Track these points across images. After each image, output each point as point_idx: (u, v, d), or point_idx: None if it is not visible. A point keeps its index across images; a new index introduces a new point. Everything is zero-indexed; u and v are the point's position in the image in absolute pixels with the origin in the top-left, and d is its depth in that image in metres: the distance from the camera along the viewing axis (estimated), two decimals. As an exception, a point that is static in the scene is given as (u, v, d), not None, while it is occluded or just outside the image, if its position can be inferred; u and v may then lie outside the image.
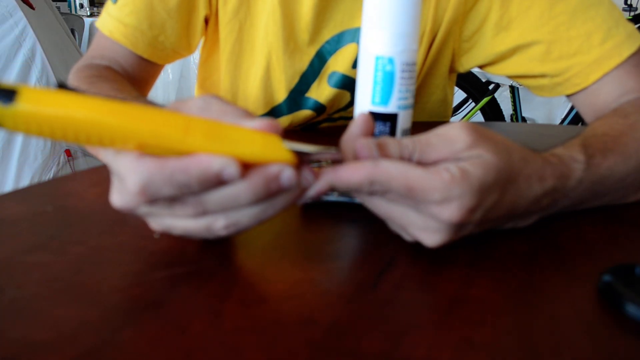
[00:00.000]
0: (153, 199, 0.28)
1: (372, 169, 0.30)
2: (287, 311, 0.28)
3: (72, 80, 0.59)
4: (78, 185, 0.44)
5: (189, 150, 0.27)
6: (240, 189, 0.28)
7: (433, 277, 0.32)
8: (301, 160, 0.30)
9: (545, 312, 0.29)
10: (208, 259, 0.33)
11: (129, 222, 0.37)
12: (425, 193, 0.30)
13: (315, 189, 0.31)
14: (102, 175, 0.46)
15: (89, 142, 0.26)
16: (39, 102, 0.24)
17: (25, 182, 1.62)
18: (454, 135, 0.32)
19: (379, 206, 0.33)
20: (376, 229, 0.37)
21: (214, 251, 0.34)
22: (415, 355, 0.25)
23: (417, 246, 0.34)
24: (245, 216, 0.30)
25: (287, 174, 0.29)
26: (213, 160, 0.27)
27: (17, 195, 0.42)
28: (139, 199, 0.28)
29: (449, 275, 0.32)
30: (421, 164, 0.31)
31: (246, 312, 0.27)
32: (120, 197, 0.29)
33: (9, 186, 1.61)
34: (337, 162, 0.32)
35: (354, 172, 0.30)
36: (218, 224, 0.30)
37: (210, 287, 0.30)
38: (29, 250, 0.33)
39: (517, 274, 0.33)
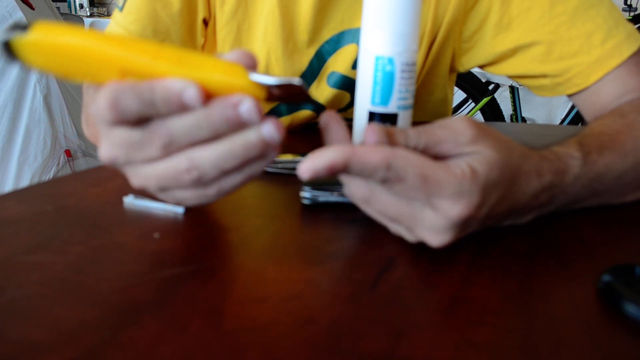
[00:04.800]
0: (123, 114, 0.29)
1: (391, 153, 0.30)
2: (287, 311, 0.28)
3: (87, 86, 0.59)
4: (78, 185, 0.44)
5: (158, 74, 0.29)
6: (201, 117, 0.29)
7: (433, 277, 0.32)
8: (268, 97, 0.30)
9: (545, 312, 0.29)
10: (208, 259, 0.33)
11: (129, 222, 0.38)
12: (439, 185, 0.30)
13: (328, 159, 0.29)
14: (102, 175, 0.46)
15: (81, 71, 0.30)
16: (45, 32, 0.29)
17: (25, 182, 1.62)
18: (458, 128, 0.32)
19: (385, 203, 0.32)
20: (376, 229, 0.37)
21: (214, 251, 0.34)
22: (415, 355, 0.25)
23: (417, 246, 0.34)
24: (207, 158, 0.30)
25: (247, 105, 0.28)
26: (176, 81, 0.28)
27: (17, 195, 0.42)
28: (109, 114, 0.29)
29: (449, 275, 0.32)
30: (425, 154, 0.32)
31: (246, 312, 0.27)
32: (102, 142, 0.31)
33: (9, 186, 1.61)
34: (294, 95, 0.31)
35: (373, 153, 0.29)
36: (182, 166, 0.30)
37: (210, 287, 0.30)
38: (29, 250, 0.33)
39: (517, 274, 0.33)
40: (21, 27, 0.29)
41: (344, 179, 0.33)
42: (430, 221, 0.32)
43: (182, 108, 0.29)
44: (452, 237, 0.32)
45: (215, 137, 0.29)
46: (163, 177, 0.31)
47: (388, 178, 0.30)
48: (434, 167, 0.30)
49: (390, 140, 0.31)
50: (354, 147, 0.30)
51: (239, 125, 0.29)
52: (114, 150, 0.31)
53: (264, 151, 0.30)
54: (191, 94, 0.28)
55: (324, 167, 0.29)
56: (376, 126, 0.31)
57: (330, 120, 0.33)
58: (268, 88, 0.30)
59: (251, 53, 0.31)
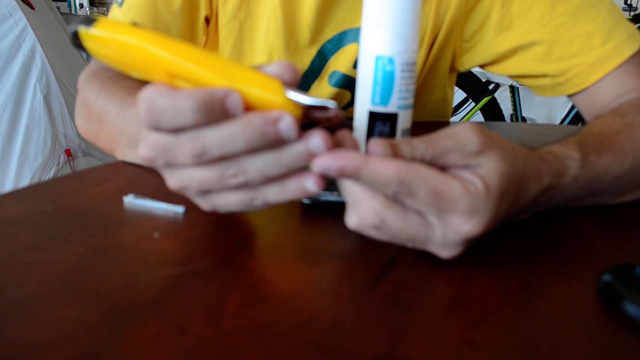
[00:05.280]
0: (157, 122, 0.29)
1: (404, 168, 0.29)
2: (287, 311, 0.28)
3: (89, 84, 0.59)
4: (78, 185, 0.44)
5: (201, 81, 0.30)
6: (237, 129, 0.29)
7: (433, 277, 0.32)
8: (307, 116, 0.31)
9: (545, 312, 0.29)
10: (208, 259, 0.33)
11: (129, 222, 0.38)
12: (452, 202, 0.29)
13: (341, 162, 0.29)
14: (102, 175, 0.46)
15: (134, 67, 0.32)
16: (107, 28, 0.32)
17: (25, 182, 1.62)
18: (465, 137, 0.31)
19: (396, 229, 0.31)
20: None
21: (214, 251, 0.34)
22: (415, 355, 0.25)
23: (417, 246, 0.34)
24: (250, 169, 0.30)
25: (287, 122, 0.28)
26: (219, 88, 0.29)
27: (17, 195, 0.42)
28: (145, 119, 0.29)
29: (449, 275, 0.32)
30: (432, 165, 0.31)
31: (246, 312, 0.27)
32: (141, 142, 0.31)
33: (9, 186, 1.61)
34: (328, 119, 0.31)
35: (386, 166, 0.29)
36: (229, 172, 0.30)
37: (210, 287, 0.30)
38: (29, 250, 0.33)
39: (517, 274, 0.33)
40: (88, 21, 0.32)
41: (349, 200, 0.31)
42: (441, 238, 0.31)
43: (223, 115, 0.29)
44: (462, 250, 0.32)
45: (249, 150, 0.29)
46: (207, 180, 0.31)
47: (400, 192, 0.29)
48: (448, 183, 0.29)
49: (395, 153, 0.30)
50: (368, 157, 0.29)
51: (275, 142, 0.29)
52: (151, 152, 0.31)
53: (307, 161, 0.30)
54: (234, 100, 0.28)
55: (335, 167, 0.29)
56: (379, 141, 0.30)
57: (344, 140, 0.32)
58: (304, 108, 0.30)
59: (294, 66, 0.31)
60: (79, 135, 1.73)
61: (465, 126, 0.32)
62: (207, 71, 0.30)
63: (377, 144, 0.30)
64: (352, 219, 0.31)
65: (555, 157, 0.38)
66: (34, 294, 0.28)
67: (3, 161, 1.61)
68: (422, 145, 0.31)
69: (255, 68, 0.31)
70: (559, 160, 0.38)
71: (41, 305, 0.27)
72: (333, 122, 0.31)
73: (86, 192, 0.43)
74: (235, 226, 0.38)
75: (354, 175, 0.29)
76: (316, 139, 0.29)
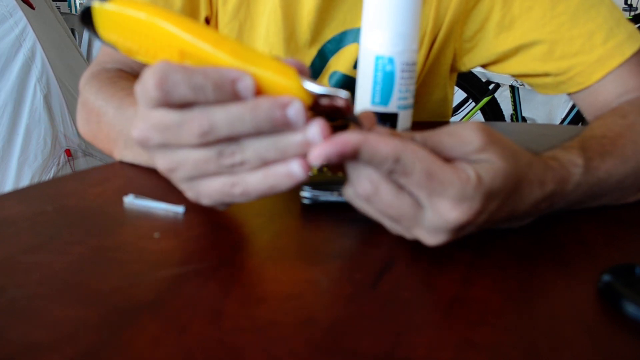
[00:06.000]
0: (168, 95, 0.29)
1: (402, 146, 0.29)
2: (287, 311, 0.28)
3: (90, 85, 0.59)
4: (78, 185, 0.44)
5: (215, 62, 0.30)
6: (246, 110, 0.28)
7: (433, 277, 0.32)
8: (317, 107, 0.30)
9: (545, 312, 0.29)
10: (208, 259, 0.33)
11: (129, 222, 0.38)
12: (444, 185, 0.30)
13: (340, 144, 0.29)
14: (102, 175, 0.46)
15: (145, 46, 0.32)
16: (122, 3, 0.31)
17: (25, 182, 1.62)
18: (466, 137, 0.31)
19: (387, 203, 0.31)
20: (376, 229, 0.37)
21: (214, 251, 0.34)
22: (415, 355, 0.25)
23: (417, 246, 0.34)
24: (248, 149, 0.30)
25: (296, 107, 0.28)
26: (233, 70, 0.29)
27: (17, 195, 0.42)
28: (155, 92, 0.29)
29: (449, 275, 0.32)
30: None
31: (246, 312, 0.27)
32: (139, 121, 0.31)
33: (9, 186, 1.61)
34: (338, 111, 0.31)
35: (384, 143, 0.29)
36: (227, 150, 0.30)
37: (210, 287, 0.30)
38: (29, 250, 0.33)
39: (517, 274, 0.33)
40: None
41: (349, 172, 0.32)
42: (428, 221, 0.31)
43: (233, 96, 0.29)
44: (447, 239, 0.32)
45: (255, 133, 0.29)
46: (203, 160, 0.30)
47: (395, 170, 0.30)
48: (441, 166, 0.30)
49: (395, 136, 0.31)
50: (366, 134, 0.29)
51: (283, 126, 0.29)
52: (149, 131, 0.31)
53: (303, 150, 0.29)
54: (246, 84, 0.28)
55: (336, 152, 0.29)
56: (381, 129, 0.31)
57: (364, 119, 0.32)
58: (315, 97, 0.30)
59: (303, 64, 0.31)
60: (79, 135, 1.73)
61: (469, 125, 0.32)
62: (223, 52, 0.29)
63: (378, 127, 0.31)
64: (349, 190, 0.32)
65: (560, 163, 0.38)
66: (34, 294, 0.28)
67: (3, 161, 1.61)
68: (422, 140, 0.32)
69: (269, 55, 0.31)
70: (564, 167, 0.38)
71: (41, 305, 0.27)
72: (343, 115, 0.31)
73: (86, 192, 0.43)
74: (236, 226, 0.38)
75: (355, 155, 0.29)
76: (314, 128, 0.29)
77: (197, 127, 0.29)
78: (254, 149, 0.30)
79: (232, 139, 0.30)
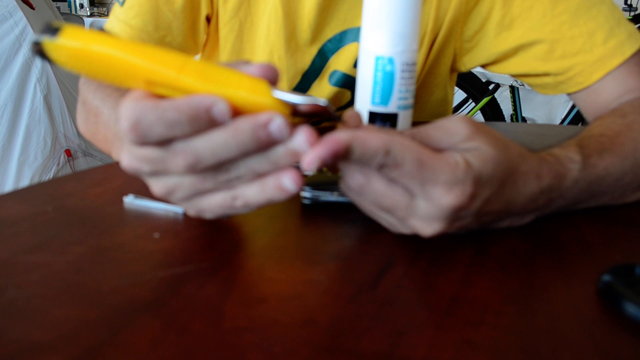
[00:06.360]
0: (145, 138, 0.28)
1: (390, 139, 0.30)
2: (287, 311, 0.28)
3: (87, 83, 0.59)
4: (78, 185, 0.44)
5: (183, 88, 0.29)
6: (228, 136, 0.28)
7: (433, 277, 0.32)
8: (295, 113, 0.30)
9: (545, 312, 0.29)
10: (208, 259, 0.33)
11: (129, 222, 0.38)
12: (435, 172, 0.30)
13: (331, 145, 0.29)
14: (102, 175, 0.46)
15: (108, 76, 0.30)
16: (74, 37, 0.29)
17: (25, 182, 1.62)
18: (453, 128, 0.33)
19: (379, 193, 0.32)
20: (376, 229, 0.37)
21: (214, 251, 0.34)
22: (415, 355, 0.25)
23: (417, 246, 0.34)
24: (242, 166, 0.29)
25: (277, 123, 0.28)
26: (204, 97, 0.28)
27: (17, 195, 0.42)
28: (131, 136, 0.28)
29: (449, 275, 0.32)
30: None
31: (246, 312, 0.27)
32: (125, 154, 0.30)
33: (9, 186, 1.61)
34: (319, 113, 0.31)
35: (373, 137, 0.30)
36: (221, 169, 0.29)
37: (210, 287, 0.30)
38: (29, 250, 0.33)
39: (517, 274, 0.33)
40: (52, 30, 0.29)
41: (341, 166, 0.32)
42: (422, 210, 0.32)
43: (211, 124, 0.28)
44: (443, 227, 0.32)
45: (242, 155, 0.29)
46: (199, 182, 0.30)
47: (386, 163, 0.30)
48: (430, 155, 0.31)
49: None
50: (355, 131, 0.30)
51: (268, 143, 0.29)
52: (137, 164, 0.31)
53: (294, 160, 0.30)
54: (221, 108, 0.28)
55: (329, 153, 0.29)
56: (369, 127, 0.32)
57: (349, 120, 0.33)
58: (292, 106, 0.30)
59: (274, 66, 0.30)
60: (79, 135, 1.73)
61: (456, 118, 0.33)
62: (189, 77, 0.28)
63: (365, 125, 0.32)
64: (342, 184, 0.33)
65: (556, 158, 0.38)
66: (34, 294, 0.28)
67: (3, 161, 1.61)
68: (410, 135, 0.32)
69: (237, 70, 0.30)
70: (560, 162, 0.38)
71: (41, 305, 0.27)
72: (324, 117, 0.31)
73: (86, 192, 0.43)
74: (236, 226, 0.38)
75: (347, 153, 0.30)
76: (300, 137, 0.29)
77: (182, 161, 0.29)
78: (246, 165, 0.30)
79: (222, 163, 0.30)
